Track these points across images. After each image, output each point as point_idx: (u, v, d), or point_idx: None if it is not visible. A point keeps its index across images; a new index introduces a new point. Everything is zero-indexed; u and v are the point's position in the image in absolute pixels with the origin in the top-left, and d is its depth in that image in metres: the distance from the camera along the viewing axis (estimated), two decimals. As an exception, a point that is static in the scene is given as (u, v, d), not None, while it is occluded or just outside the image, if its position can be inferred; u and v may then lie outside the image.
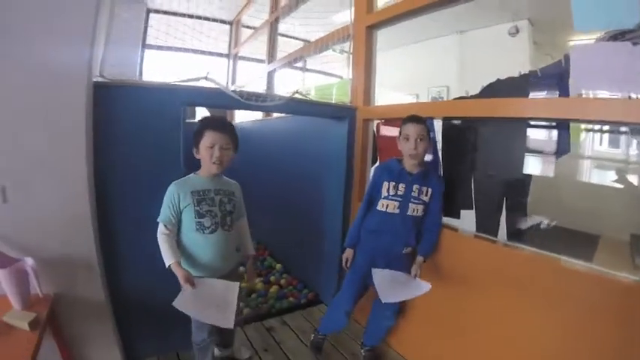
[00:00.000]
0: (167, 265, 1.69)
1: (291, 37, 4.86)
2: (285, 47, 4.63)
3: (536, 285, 1.73)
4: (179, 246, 1.79)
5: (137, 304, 2.09)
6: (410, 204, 2.07)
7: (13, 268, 1.53)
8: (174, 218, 1.75)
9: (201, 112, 5.69)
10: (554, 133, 2.03)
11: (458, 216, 2.29)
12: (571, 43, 1.95)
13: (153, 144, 2.06)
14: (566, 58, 1.70)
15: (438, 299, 2.14)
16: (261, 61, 5.11)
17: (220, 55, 6.20)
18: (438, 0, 2.32)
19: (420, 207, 2.09)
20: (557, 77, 1.77)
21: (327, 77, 5.46)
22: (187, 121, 4.89)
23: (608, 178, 4.20)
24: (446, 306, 2.18)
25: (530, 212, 3.44)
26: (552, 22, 1.63)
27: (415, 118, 2.04)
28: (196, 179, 1.84)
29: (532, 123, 2.03)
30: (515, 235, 2.03)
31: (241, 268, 2.21)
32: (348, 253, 2.23)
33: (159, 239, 1.73)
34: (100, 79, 1.92)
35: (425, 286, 1.93)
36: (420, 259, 2.07)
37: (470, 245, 2.11)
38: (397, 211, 2.08)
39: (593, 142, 4.35)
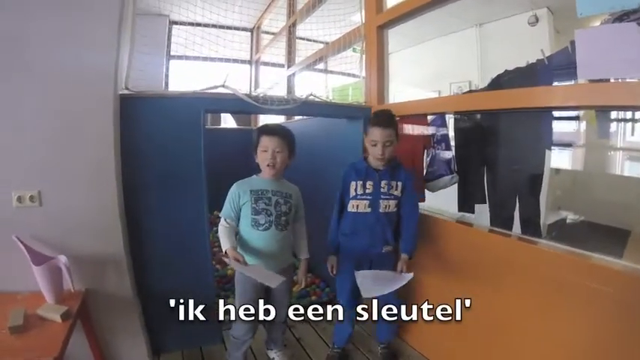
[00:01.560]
0: (224, 250, 1.85)
1: (309, 40, 4.91)
2: (305, 51, 4.71)
3: (558, 282, 1.64)
4: (237, 240, 1.95)
5: (163, 299, 2.15)
6: (381, 201, 2.05)
7: (47, 265, 1.66)
8: (234, 213, 1.92)
9: (226, 119, 5.90)
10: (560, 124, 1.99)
11: (472, 210, 2.30)
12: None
13: (176, 149, 2.20)
14: (573, 44, 1.68)
15: (453, 295, 2.07)
16: (281, 65, 5.20)
17: (243, 61, 6.33)
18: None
19: (392, 202, 2.07)
20: (565, 64, 1.75)
21: (346, 78, 5.49)
22: (210, 127, 5.07)
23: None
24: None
25: (557, 207, 3.39)
26: (573, 7, 1.60)
27: (382, 123, 2.01)
28: (257, 180, 2.00)
29: (542, 115, 2.00)
30: (531, 228, 2.02)
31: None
32: (331, 260, 2.19)
33: (219, 230, 1.91)
34: (125, 92, 2.07)
35: (407, 276, 1.93)
36: (404, 256, 2.03)
37: (485, 239, 2.06)
38: (369, 209, 2.06)
39: (624, 132, 4.20)
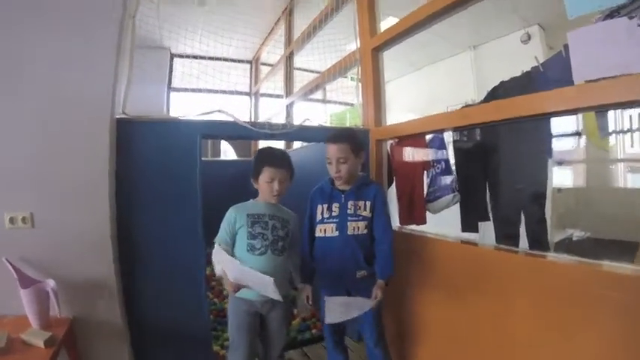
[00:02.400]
0: (217, 274, 1.79)
1: (306, 70, 4.98)
2: (303, 82, 4.76)
3: (572, 294, 1.55)
4: None
5: (154, 329, 2.13)
6: (348, 223, 1.92)
7: (34, 289, 1.63)
8: (230, 238, 1.85)
9: (226, 152, 5.93)
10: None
11: (476, 229, 2.23)
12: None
13: (172, 174, 2.18)
14: (566, 47, 1.67)
15: (461, 317, 2.03)
16: (280, 96, 5.27)
17: (242, 93, 6.44)
18: (432, 13, 2.27)
19: (361, 224, 1.92)
20: (560, 68, 1.73)
21: (345, 106, 5.56)
22: (209, 159, 5.06)
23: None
24: (466, 326, 2.02)
25: (563, 225, 3.33)
26: (563, 23, 1.62)
27: (333, 138, 1.93)
28: (254, 204, 1.95)
29: (541, 123, 1.96)
30: (538, 241, 1.96)
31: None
32: (305, 289, 1.98)
33: (213, 256, 1.82)
34: (122, 116, 2.08)
35: (367, 303, 1.78)
36: (380, 282, 1.85)
37: (492, 257, 1.95)
38: (336, 233, 1.93)
39: (623, 144, 4.19)
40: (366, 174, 2.09)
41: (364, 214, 1.93)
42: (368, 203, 1.94)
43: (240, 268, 1.69)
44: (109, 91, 1.95)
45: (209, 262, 2.30)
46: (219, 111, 2.36)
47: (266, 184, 1.87)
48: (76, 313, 1.86)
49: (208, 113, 2.33)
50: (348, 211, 1.93)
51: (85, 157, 1.89)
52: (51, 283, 1.68)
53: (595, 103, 1.54)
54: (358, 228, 1.92)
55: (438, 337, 2.19)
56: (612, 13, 1.51)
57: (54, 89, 1.83)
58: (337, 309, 1.81)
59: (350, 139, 1.94)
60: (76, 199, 1.88)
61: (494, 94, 2.09)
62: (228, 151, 5.86)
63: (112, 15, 1.96)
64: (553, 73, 1.80)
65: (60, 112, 1.84)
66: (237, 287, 1.71)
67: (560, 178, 4.17)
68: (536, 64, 1.94)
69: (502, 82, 2.08)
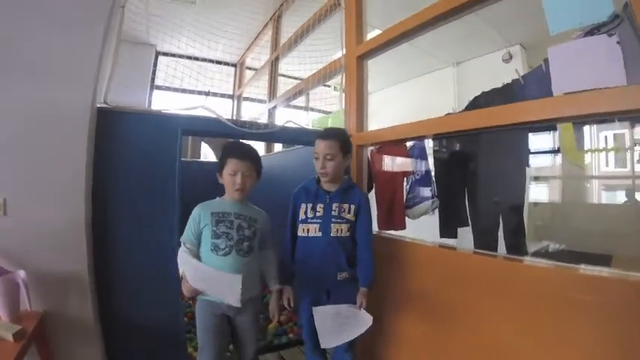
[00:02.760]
0: (180, 274, 1.76)
1: (290, 77, 5.00)
2: (286, 88, 4.78)
3: (549, 297, 1.57)
4: None
5: (128, 326, 2.06)
6: (332, 224, 1.91)
7: (4, 279, 1.57)
8: (195, 237, 1.80)
9: (206, 154, 5.86)
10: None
11: (455, 235, 2.26)
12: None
13: (151, 168, 2.14)
14: (546, 61, 1.72)
15: (438, 321, 2.04)
16: (263, 101, 5.28)
17: (226, 96, 6.44)
18: (417, 25, 2.31)
19: (345, 226, 1.92)
20: (540, 81, 1.78)
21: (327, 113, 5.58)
22: (188, 160, 4.99)
23: (617, 197, 4.17)
24: (444, 330, 2.02)
25: (539, 237, 3.40)
26: (544, 43, 1.68)
27: (323, 134, 1.95)
28: (219, 202, 1.89)
29: (517, 134, 2.01)
30: (516, 246, 1.99)
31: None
32: (287, 292, 1.97)
33: (178, 256, 1.79)
34: (104, 105, 2.04)
35: (367, 321, 1.78)
36: (363, 290, 1.86)
37: (470, 261, 1.95)
38: (319, 233, 1.91)
39: (599, 163, 4.35)
40: (349, 177, 2.07)
41: (348, 217, 1.93)
42: (352, 207, 1.94)
43: (203, 269, 1.68)
44: (92, 79, 1.91)
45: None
46: (203, 107, 2.34)
47: (229, 177, 1.83)
48: (47, 307, 1.79)
49: (191, 108, 2.31)
50: (333, 213, 1.91)
51: (63, 145, 1.84)
52: (22, 274, 1.62)
53: (573, 114, 1.58)
54: (341, 230, 1.91)
55: (414, 341, 2.18)
56: (592, 30, 1.57)
57: (35, 73, 1.79)
58: (330, 327, 1.77)
59: (339, 137, 1.95)
60: (51, 189, 1.82)
61: (476, 104, 2.13)
62: (208, 154, 5.80)
63: (101, 1, 1.94)
64: (533, 86, 1.85)
65: (40, 97, 1.79)
66: (195, 292, 1.68)
67: (537, 193, 4.29)
68: (517, 77, 1.99)
69: (483, 93, 2.12)
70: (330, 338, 1.75)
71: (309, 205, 1.94)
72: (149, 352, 2.10)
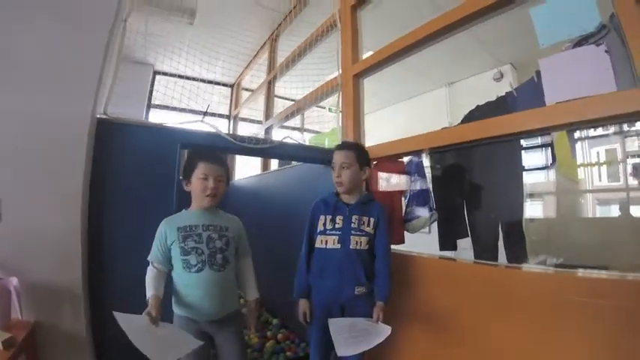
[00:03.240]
0: (147, 298, 1.60)
1: (286, 99, 5.07)
2: (283, 109, 4.85)
3: (553, 303, 1.58)
4: (172, 285, 1.73)
5: (120, 340, 1.97)
6: (351, 236, 1.89)
7: None
8: (162, 256, 1.69)
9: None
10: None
11: (455, 247, 2.27)
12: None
13: (149, 181, 2.12)
14: (538, 73, 1.78)
15: (441, 333, 2.02)
16: (259, 122, 5.33)
17: (222, 116, 6.52)
18: (411, 44, 2.39)
19: (364, 239, 1.91)
20: (532, 93, 1.83)
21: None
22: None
23: (611, 211, 4.21)
24: (445, 343, 2.01)
25: (535, 252, 3.42)
26: (533, 61, 1.75)
27: (340, 145, 2.00)
28: (186, 215, 1.78)
29: (513, 145, 2.05)
30: (516, 255, 2.00)
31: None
32: (303, 305, 1.95)
33: (146, 276, 1.67)
34: (103, 117, 2.04)
35: (385, 331, 1.71)
36: (380, 304, 1.84)
37: (471, 272, 1.96)
38: (338, 245, 1.89)
39: (592, 178, 4.41)
40: (369, 192, 2.09)
41: (367, 229, 1.92)
42: (372, 220, 1.94)
43: (146, 329, 1.48)
44: (93, 89, 1.92)
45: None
46: (201, 121, 2.37)
47: (199, 180, 1.72)
48: (38, 317, 1.74)
49: (190, 122, 2.34)
50: (352, 225, 1.91)
51: (61, 154, 1.83)
52: (14, 282, 1.58)
53: (566, 121, 1.63)
54: (360, 243, 1.90)
55: (420, 351, 2.16)
56: (581, 42, 1.63)
57: (36, 81, 1.80)
58: (346, 338, 1.69)
59: (356, 148, 1.99)
60: (47, 197, 1.79)
61: (471, 117, 2.17)
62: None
63: (104, 14, 1.98)
64: (526, 97, 1.90)
65: (40, 105, 1.79)
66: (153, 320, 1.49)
67: (533, 209, 4.33)
68: (510, 90, 2.05)
69: (478, 106, 2.17)
70: (347, 347, 1.68)
71: (329, 217, 1.93)
72: None
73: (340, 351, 1.66)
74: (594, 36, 1.57)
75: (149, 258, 1.71)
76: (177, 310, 1.72)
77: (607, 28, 1.56)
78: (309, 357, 2.12)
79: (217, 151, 2.23)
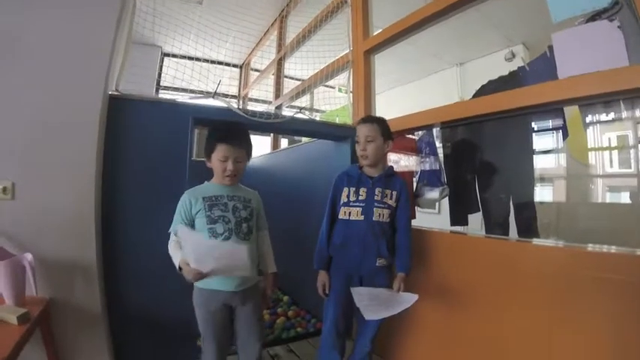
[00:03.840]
0: (177, 268, 1.55)
1: (294, 79, 5.05)
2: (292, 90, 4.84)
3: (565, 276, 1.58)
4: None
5: (135, 317, 2.02)
6: (374, 208, 1.90)
7: (10, 262, 1.53)
8: (187, 224, 1.66)
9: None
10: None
11: (466, 222, 2.28)
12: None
13: (161, 156, 2.13)
14: (550, 48, 1.77)
15: (452, 307, 2.05)
16: (268, 102, 5.32)
17: (230, 96, 6.51)
18: (422, 19, 2.39)
19: (386, 211, 1.92)
20: (545, 68, 1.82)
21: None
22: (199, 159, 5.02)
23: (621, 197, 4.19)
24: (457, 318, 2.04)
25: (545, 234, 3.43)
26: (546, 41, 1.74)
27: (365, 119, 1.99)
28: (209, 186, 1.77)
29: (524, 119, 2.04)
30: (528, 229, 2.02)
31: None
32: (322, 276, 1.98)
33: (169, 248, 1.63)
34: (115, 93, 2.05)
35: (412, 298, 1.75)
36: (401, 274, 1.87)
37: (483, 246, 1.97)
38: (362, 217, 1.90)
39: (603, 164, 4.38)
40: (391, 166, 2.07)
41: (390, 202, 1.93)
42: (394, 193, 1.95)
43: (207, 243, 1.53)
44: (105, 66, 1.91)
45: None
46: (213, 97, 2.38)
47: (219, 162, 1.69)
48: (53, 294, 1.76)
49: (202, 97, 2.35)
50: (376, 198, 1.91)
51: (74, 131, 1.83)
52: (28, 257, 1.58)
53: (578, 95, 1.63)
54: (383, 215, 1.91)
55: (430, 320, 2.20)
56: (594, 17, 1.62)
57: (49, 60, 1.80)
58: (372, 304, 1.74)
59: (379, 122, 1.97)
60: (61, 174, 1.80)
61: (483, 92, 2.17)
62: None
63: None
64: (538, 72, 1.89)
65: (53, 84, 1.79)
66: (200, 275, 1.46)
67: (543, 193, 4.33)
68: (523, 64, 2.04)
69: (490, 81, 2.16)
70: (374, 313, 1.71)
71: (352, 189, 1.94)
72: (156, 342, 2.08)
73: (368, 316, 1.70)
74: (607, 11, 1.56)
75: (171, 230, 1.69)
76: (199, 282, 1.65)
77: (620, 3, 1.53)
78: (320, 332, 2.15)
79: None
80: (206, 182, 1.80)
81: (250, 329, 1.76)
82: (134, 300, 2.03)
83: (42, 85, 1.78)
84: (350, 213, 1.93)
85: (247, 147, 1.77)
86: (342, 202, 1.96)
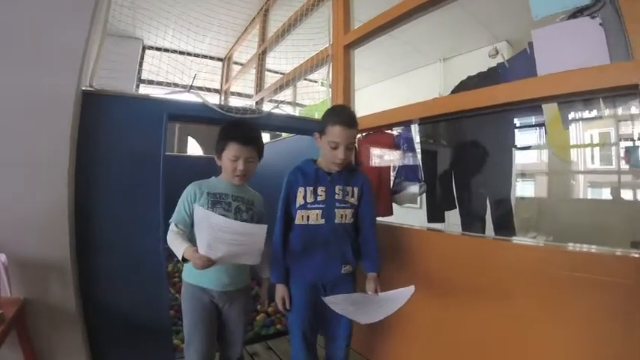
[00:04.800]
0: (180, 257, 1.49)
1: (277, 72, 4.99)
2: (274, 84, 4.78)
3: (540, 275, 1.56)
4: None
5: (111, 316, 1.99)
6: (336, 210, 1.70)
7: None
8: (189, 217, 1.61)
9: (193, 143, 5.82)
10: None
11: (443, 219, 2.26)
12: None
13: (136, 153, 2.08)
14: (531, 45, 1.74)
15: (428, 305, 2.01)
16: (250, 96, 5.26)
17: (213, 90, 6.43)
18: (403, 13, 2.35)
19: (349, 211, 1.73)
20: (524, 65, 1.79)
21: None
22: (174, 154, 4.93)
23: (602, 193, 4.25)
24: (437, 313, 2.00)
25: (525, 229, 3.45)
26: (529, 38, 1.72)
27: (347, 122, 1.65)
28: (216, 182, 1.73)
29: (505, 114, 2.01)
30: (504, 227, 2.00)
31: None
32: (281, 290, 1.74)
33: (168, 237, 1.58)
34: (89, 89, 1.99)
35: (409, 291, 1.53)
36: (373, 275, 1.69)
37: (459, 243, 1.95)
38: (322, 221, 1.69)
39: (585, 160, 4.44)
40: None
41: (352, 200, 1.74)
42: (356, 190, 1.75)
43: (227, 222, 1.44)
44: (78, 61, 1.85)
45: (170, 257, 2.17)
46: (189, 91, 2.32)
47: (229, 162, 1.65)
48: (28, 294, 1.71)
49: (177, 92, 2.29)
50: (336, 197, 1.71)
51: (46, 127, 1.78)
52: (2, 257, 1.55)
53: (557, 92, 1.60)
54: (346, 216, 1.72)
55: (404, 321, 2.16)
56: (575, 14, 1.59)
57: (19, 53, 1.73)
58: (360, 308, 1.58)
59: (357, 124, 1.74)
60: (33, 172, 1.74)
61: (461, 88, 2.15)
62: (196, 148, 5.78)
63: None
64: (518, 69, 1.86)
65: (24, 78, 1.73)
66: (209, 262, 1.41)
67: (524, 189, 4.37)
68: (502, 61, 2.01)
69: (469, 77, 2.14)
70: (367, 316, 1.57)
71: (309, 189, 1.70)
72: (132, 341, 2.04)
73: (362, 320, 1.58)
74: (589, 8, 1.53)
75: (172, 220, 1.63)
76: (189, 279, 1.68)
77: (603, 1, 1.51)
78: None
79: (204, 122, 2.16)
80: (213, 177, 1.77)
81: (234, 330, 1.75)
82: (110, 298, 2.00)
83: (11, 81, 1.71)
84: (308, 217, 1.70)
85: (259, 147, 1.74)
86: (298, 204, 1.72)
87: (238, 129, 1.73)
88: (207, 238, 1.39)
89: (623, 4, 1.45)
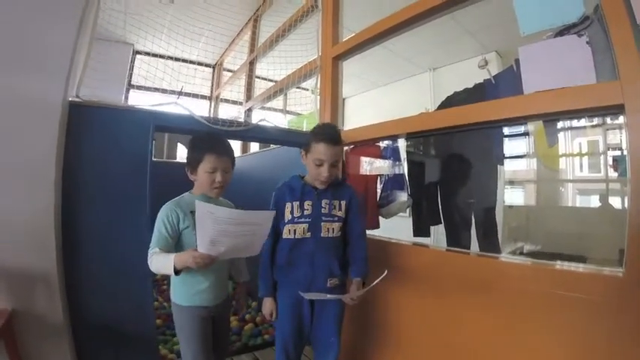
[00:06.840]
0: (173, 272, 1.44)
1: (267, 80, 4.98)
2: (264, 90, 4.76)
3: (523, 294, 1.57)
4: (174, 278, 1.61)
5: (99, 326, 1.97)
6: (322, 223, 1.72)
7: None
8: (172, 239, 1.57)
9: (183, 150, 5.78)
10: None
11: (428, 234, 2.25)
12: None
13: (122, 163, 2.05)
14: (517, 62, 1.74)
15: (412, 319, 2.02)
16: (240, 103, 5.24)
17: (203, 97, 6.37)
18: (392, 27, 2.34)
19: (336, 225, 1.75)
20: (510, 82, 1.80)
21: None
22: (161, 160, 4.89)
23: (591, 201, 4.28)
24: (420, 326, 2.01)
25: (514, 239, 3.46)
26: (518, 50, 1.72)
27: (331, 139, 1.68)
28: (192, 199, 1.66)
29: (491, 131, 2.02)
30: (489, 244, 2.00)
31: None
32: (269, 304, 1.77)
33: (151, 262, 1.52)
34: (76, 99, 1.96)
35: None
36: (357, 280, 1.73)
37: (444, 259, 1.95)
38: (308, 234, 1.71)
39: (573, 168, 4.48)
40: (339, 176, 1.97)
41: (339, 214, 1.76)
42: (343, 203, 1.77)
43: (233, 213, 1.41)
44: (65, 71, 1.83)
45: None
46: (176, 103, 2.30)
47: (207, 174, 1.64)
48: (15, 305, 1.69)
49: (164, 104, 2.27)
50: (323, 211, 1.73)
51: (32, 138, 1.75)
52: None
53: (542, 111, 1.60)
54: (332, 230, 1.74)
55: (391, 337, 2.16)
56: (562, 31, 1.59)
57: (5, 62, 1.71)
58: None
59: (342, 142, 1.77)
60: (18, 183, 1.72)
61: (448, 104, 2.15)
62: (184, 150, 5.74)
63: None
64: (504, 85, 1.87)
65: (9, 87, 1.70)
66: (211, 259, 1.38)
67: (513, 197, 4.39)
68: (489, 77, 2.01)
69: (456, 93, 2.14)
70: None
71: (296, 204, 1.73)
72: (119, 351, 2.02)
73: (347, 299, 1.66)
74: (577, 26, 1.53)
75: (153, 245, 1.56)
76: (185, 301, 1.64)
77: (590, 19, 1.52)
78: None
79: (191, 133, 2.14)
80: (187, 194, 1.73)
81: (224, 338, 1.82)
82: (97, 309, 1.97)
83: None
84: (295, 231, 1.72)
85: (233, 157, 1.76)
86: (286, 219, 1.74)
87: (213, 140, 1.72)
88: (211, 233, 1.35)
89: (610, 22, 1.45)
